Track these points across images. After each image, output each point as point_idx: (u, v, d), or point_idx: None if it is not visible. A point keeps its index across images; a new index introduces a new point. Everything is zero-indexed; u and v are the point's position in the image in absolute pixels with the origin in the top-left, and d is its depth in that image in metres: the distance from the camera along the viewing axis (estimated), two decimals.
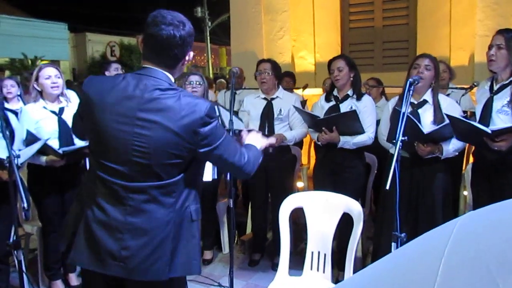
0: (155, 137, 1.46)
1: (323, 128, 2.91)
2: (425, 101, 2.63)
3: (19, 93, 4.02)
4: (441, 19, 5.02)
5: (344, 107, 2.97)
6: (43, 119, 2.74)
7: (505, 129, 2.20)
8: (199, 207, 1.63)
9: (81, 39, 22.10)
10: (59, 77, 2.81)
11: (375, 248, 2.96)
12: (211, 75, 17.27)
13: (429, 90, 2.64)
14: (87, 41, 21.98)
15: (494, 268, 0.41)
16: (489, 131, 2.18)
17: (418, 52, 4.64)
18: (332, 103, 3.05)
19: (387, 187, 1.90)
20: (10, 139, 2.41)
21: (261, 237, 3.51)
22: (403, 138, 1.99)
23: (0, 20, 17.82)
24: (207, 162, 1.68)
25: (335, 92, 3.07)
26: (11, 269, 2.83)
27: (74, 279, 3.04)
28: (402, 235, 1.94)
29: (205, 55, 21.29)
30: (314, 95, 4.90)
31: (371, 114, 2.96)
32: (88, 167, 2.74)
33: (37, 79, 2.78)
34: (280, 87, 3.39)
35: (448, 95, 3.20)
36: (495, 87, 2.42)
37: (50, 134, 2.70)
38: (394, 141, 2.02)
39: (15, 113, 2.84)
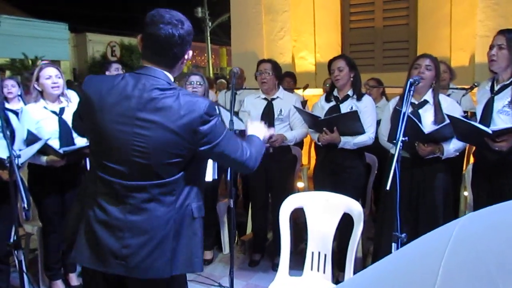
0: (154, 137, 1.46)
1: (324, 128, 2.91)
2: (425, 101, 2.63)
3: (19, 93, 4.03)
4: (441, 19, 5.02)
5: (345, 108, 2.97)
6: (43, 119, 2.74)
7: (506, 130, 2.19)
8: (202, 205, 1.63)
9: (81, 39, 22.10)
10: (59, 77, 2.81)
11: (376, 248, 2.96)
12: (211, 75, 17.27)
13: (430, 90, 2.64)
14: (88, 41, 21.99)
15: (494, 270, 0.41)
16: (490, 132, 2.18)
17: (418, 52, 4.64)
18: (332, 103, 3.05)
19: (388, 188, 1.90)
20: (11, 139, 2.41)
21: (261, 237, 3.51)
22: (403, 139, 1.99)
23: (1, 20, 17.83)
24: (209, 161, 1.68)
25: (335, 93, 3.06)
26: (12, 269, 2.83)
27: (74, 279, 3.04)
28: (403, 235, 1.94)
29: (205, 55, 21.30)
30: (315, 95, 4.90)
31: (371, 114, 2.96)
32: (88, 167, 2.74)
33: (37, 79, 2.78)
34: (281, 87, 3.39)
35: (448, 95, 3.19)
36: (496, 88, 2.42)
37: (50, 134, 2.70)
38: (395, 141, 2.01)
39: (16, 113, 2.84)
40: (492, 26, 4.47)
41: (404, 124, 2.01)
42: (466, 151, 3.62)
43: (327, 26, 5.68)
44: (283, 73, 4.01)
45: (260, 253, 3.48)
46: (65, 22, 20.88)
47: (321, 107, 3.11)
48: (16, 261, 2.22)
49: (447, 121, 2.43)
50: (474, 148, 2.78)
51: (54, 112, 2.78)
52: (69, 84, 6.82)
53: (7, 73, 11.39)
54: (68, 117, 2.71)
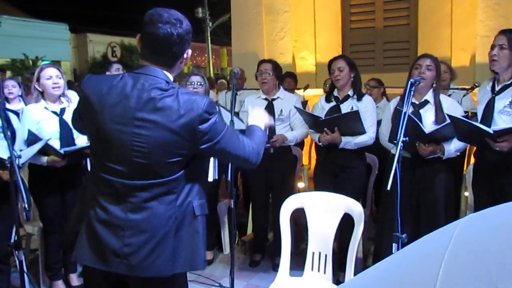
0: (154, 137, 1.46)
1: (325, 128, 2.91)
2: (426, 101, 2.63)
3: (20, 94, 4.03)
4: (442, 19, 5.02)
5: (345, 108, 2.97)
6: (44, 119, 2.74)
7: (507, 130, 2.19)
8: (204, 202, 1.62)
9: (82, 39, 22.15)
10: (60, 78, 2.81)
11: (376, 248, 2.96)
12: (212, 76, 17.29)
13: (431, 91, 2.64)
14: (88, 42, 22.04)
15: (494, 271, 0.41)
16: (491, 132, 2.18)
17: (419, 52, 4.63)
18: (333, 103, 3.04)
19: (388, 188, 1.90)
20: (12, 139, 2.41)
21: (262, 238, 3.51)
22: (404, 139, 1.99)
23: (1, 20, 17.87)
24: (210, 161, 1.67)
25: (335, 93, 3.06)
26: (12, 269, 2.83)
27: (75, 280, 3.04)
28: (403, 235, 1.94)
29: (206, 55, 21.32)
30: (315, 95, 4.90)
31: (372, 114, 2.96)
32: (89, 167, 2.74)
33: (38, 80, 2.78)
34: (281, 87, 3.39)
35: (449, 95, 3.19)
36: (497, 88, 2.42)
37: (51, 135, 2.71)
38: (396, 141, 2.01)
39: (17, 113, 2.85)
40: (493, 26, 4.47)
41: (405, 124, 2.01)
42: (467, 152, 3.61)
43: (328, 26, 5.68)
44: (284, 73, 4.01)
45: (261, 253, 3.48)
46: (66, 22, 20.93)
47: (321, 108, 3.11)
48: (17, 261, 2.22)
49: (448, 121, 2.43)
50: (475, 148, 2.77)
51: (54, 113, 2.79)
52: (70, 85, 6.83)
53: (8, 73, 11.41)
54: (68, 117, 2.71)
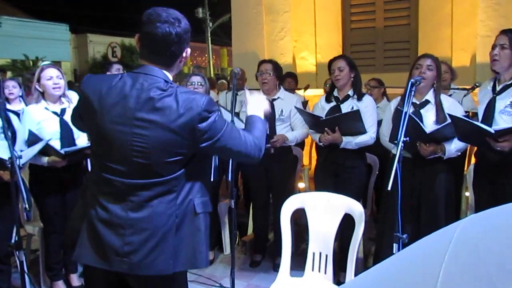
0: (154, 137, 1.46)
1: (326, 128, 2.90)
2: (427, 101, 2.63)
3: (20, 94, 4.04)
4: (442, 19, 5.02)
5: (345, 108, 2.97)
6: (45, 120, 2.74)
7: (508, 129, 2.19)
8: (207, 200, 1.61)
9: (82, 40, 22.16)
10: (60, 78, 2.81)
11: (377, 249, 2.96)
12: (212, 76, 17.29)
13: (431, 90, 2.64)
14: (89, 42, 22.05)
15: (494, 274, 0.41)
16: (493, 131, 2.18)
17: (419, 52, 4.63)
18: (333, 103, 3.04)
19: (389, 188, 1.90)
20: (12, 140, 2.42)
21: (262, 238, 3.51)
22: (405, 139, 1.99)
23: (2, 21, 17.88)
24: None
25: (335, 93, 3.06)
26: (13, 270, 2.83)
27: (75, 280, 3.05)
28: (404, 236, 1.94)
29: (206, 55, 21.33)
30: (316, 95, 4.90)
31: (372, 114, 2.96)
32: (89, 167, 2.75)
33: (39, 80, 2.78)
34: (282, 87, 3.39)
35: (450, 96, 3.19)
36: (498, 88, 2.42)
37: (51, 135, 2.71)
38: (396, 141, 2.01)
39: (17, 114, 2.85)
40: (493, 26, 4.47)
41: (405, 124, 2.01)
42: (468, 152, 3.61)
43: (328, 26, 5.68)
44: (285, 73, 4.01)
45: (261, 253, 3.47)
46: (66, 23, 20.95)
47: (321, 108, 3.10)
48: (18, 262, 2.22)
49: (449, 120, 2.43)
50: (475, 148, 2.77)
51: (55, 113, 2.79)
52: (70, 85, 6.82)
53: (8, 74, 11.42)
54: (69, 118, 2.71)
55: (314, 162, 4.67)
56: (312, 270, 2.32)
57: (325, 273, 2.28)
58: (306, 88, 5.03)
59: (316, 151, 4.34)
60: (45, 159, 2.68)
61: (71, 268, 3.04)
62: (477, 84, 3.30)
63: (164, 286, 1.59)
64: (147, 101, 1.46)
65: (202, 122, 1.48)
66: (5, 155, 2.17)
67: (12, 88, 3.97)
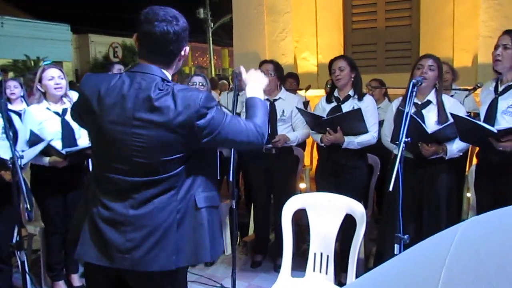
0: (153, 137, 1.46)
1: (328, 128, 2.90)
2: (429, 102, 2.63)
3: (22, 94, 4.04)
4: (444, 20, 5.01)
5: (346, 108, 2.97)
6: (46, 120, 2.75)
7: (510, 129, 2.19)
8: (212, 195, 1.61)
9: (83, 40, 22.21)
10: (62, 78, 2.82)
11: (378, 249, 2.96)
12: (213, 76, 17.30)
13: (433, 91, 2.64)
14: (90, 42, 22.10)
15: (495, 276, 0.41)
16: (495, 131, 2.18)
17: (421, 53, 4.63)
18: (334, 104, 3.04)
19: (390, 189, 1.90)
20: (14, 140, 2.42)
21: (263, 238, 3.51)
22: (406, 139, 1.99)
23: (3, 21, 17.92)
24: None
25: (335, 93, 3.06)
26: (14, 270, 2.83)
27: (76, 280, 3.05)
28: (405, 236, 1.94)
29: (207, 56, 21.34)
30: (317, 96, 4.89)
31: (373, 114, 2.96)
32: (90, 168, 2.75)
33: (40, 80, 2.78)
34: (283, 88, 3.40)
35: (451, 96, 3.19)
36: (500, 88, 2.42)
37: (53, 135, 2.71)
38: (398, 142, 2.01)
39: (19, 114, 2.86)
40: (495, 27, 4.46)
41: (407, 124, 2.01)
42: (469, 152, 3.61)
43: (329, 27, 5.68)
44: (286, 74, 4.01)
45: (262, 254, 3.47)
46: (67, 23, 20.98)
47: (322, 108, 3.10)
48: (19, 262, 2.23)
49: (451, 121, 2.42)
50: (477, 149, 2.77)
51: (56, 113, 2.79)
52: (72, 85, 6.83)
53: (10, 74, 11.44)
54: (70, 118, 2.72)
55: (315, 163, 4.67)
56: (313, 270, 2.31)
57: (326, 273, 2.28)
58: (307, 89, 5.02)
59: (317, 151, 4.34)
60: (46, 159, 2.68)
61: (72, 268, 3.04)
62: (478, 85, 3.30)
63: (164, 284, 1.59)
64: (145, 100, 1.46)
65: (201, 118, 1.47)
66: (7, 155, 2.18)
67: (14, 88, 3.98)
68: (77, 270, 3.06)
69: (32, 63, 16.63)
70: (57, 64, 3.19)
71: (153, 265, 1.50)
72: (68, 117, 2.77)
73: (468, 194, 3.45)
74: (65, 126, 2.77)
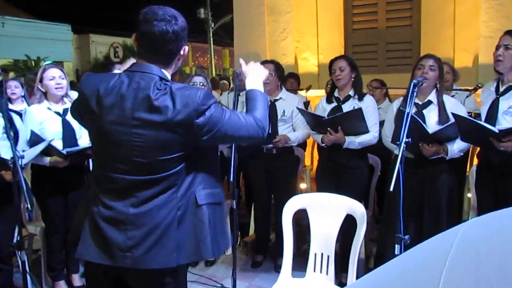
0: (153, 136, 1.47)
1: (329, 128, 2.90)
2: (429, 102, 2.63)
3: (23, 94, 4.05)
4: (445, 20, 5.01)
5: (346, 108, 2.97)
6: (47, 120, 2.75)
7: (511, 129, 2.19)
8: (213, 191, 1.60)
9: (84, 40, 22.21)
10: (63, 78, 2.82)
11: (379, 250, 2.96)
12: (215, 76, 17.31)
13: (434, 91, 2.64)
14: (91, 42, 22.10)
15: (494, 278, 0.41)
16: (497, 131, 2.18)
17: (421, 53, 4.63)
18: (334, 104, 3.04)
19: (391, 189, 1.90)
20: (14, 140, 2.42)
21: (264, 239, 3.51)
22: (407, 140, 1.99)
23: (4, 21, 17.93)
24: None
25: (336, 93, 3.06)
26: (15, 270, 2.83)
27: (77, 280, 3.05)
28: (406, 237, 1.94)
29: (208, 56, 21.34)
30: (317, 96, 4.89)
31: (374, 114, 2.96)
32: (91, 168, 2.75)
33: (41, 80, 2.79)
34: (283, 88, 3.40)
35: (452, 96, 3.19)
36: (501, 88, 2.42)
37: (54, 135, 2.71)
38: (399, 142, 2.01)
39: (19, 114, 2.86)
40: (495, 27, 4.46)
41: (408, 124, 2.01)
42: (470, 153, 3.61)
43: (330, 27, 5.68)
44: (286, 74, 4.01)
45: (263, 254, 3.47)
46: (68, 23, 20.98)
47: (322, 109, 3.10)
48: (19, 262, 2.23)
49: (452, 121, 2.42)
50: (478, 149, 2.77)
51: (57, 113, 2.79)
52: (72, 85, 6.84)
53: (11, 74, 11.45)
54: (71, 118, 2.72)
55: (316, 163, 4.67)
56: (314, 271, 2.31)
57: (327, 274, 2.28)
58: (308, 89, 5.02)
59: (318, 151, 4.34)
60: (47, 159, 2.68)
61: (72, 268, 3.05)
62: (479, 85, 3.30)
63: (164, 282, 1.59)
64: (144, 100, 1.46)
65: (200, 117, 1.47)
66: (7, 155, 2.18)
67: (15, 88, 3.99)
68: (77, 270, 3.06)
69: (32, 63, 16.63)
70: (58, 64, 3.19)
71: (154, 263, 1.50)
72: (69, 117, 2.77)
73: (469, 195, 3.44)
74: (66, 126, 2.77)
